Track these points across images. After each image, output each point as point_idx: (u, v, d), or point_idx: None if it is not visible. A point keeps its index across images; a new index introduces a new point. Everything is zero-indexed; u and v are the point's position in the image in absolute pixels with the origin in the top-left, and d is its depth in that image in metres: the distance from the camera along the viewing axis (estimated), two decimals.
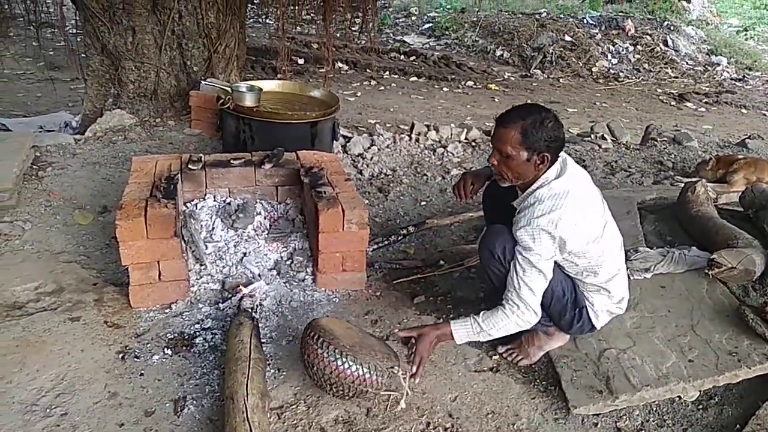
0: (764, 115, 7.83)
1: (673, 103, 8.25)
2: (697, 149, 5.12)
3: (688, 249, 2.83)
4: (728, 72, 10.26)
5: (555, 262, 2.13)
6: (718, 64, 10.47)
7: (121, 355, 2.26)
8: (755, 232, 2.88)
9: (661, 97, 8.53)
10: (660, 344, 2.33)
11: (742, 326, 2.35)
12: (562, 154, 2.14)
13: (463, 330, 2.13)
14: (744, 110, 8.00)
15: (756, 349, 2.26)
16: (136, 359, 2.25)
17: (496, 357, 2.39)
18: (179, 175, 2.87)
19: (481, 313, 2.13)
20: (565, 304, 2.21)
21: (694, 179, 3.51)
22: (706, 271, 2.62)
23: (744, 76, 10.12)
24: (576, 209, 2.05)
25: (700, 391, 2.20)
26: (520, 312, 2.09)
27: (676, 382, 2.15)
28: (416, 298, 2.78)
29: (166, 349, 2.31)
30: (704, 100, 8.33)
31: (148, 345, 2.33)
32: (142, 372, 2.19)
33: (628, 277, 2.35)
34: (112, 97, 4.84)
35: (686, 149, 5.11)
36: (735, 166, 4.13)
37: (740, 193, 3.40)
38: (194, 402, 2.06)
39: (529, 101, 7.75)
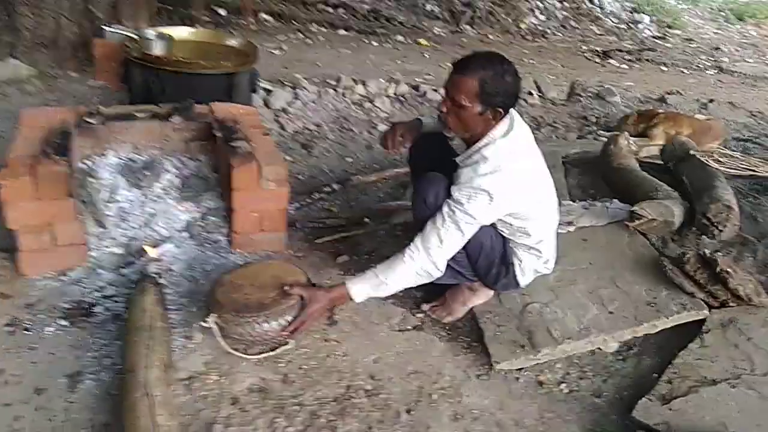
0: (682, 72, 8.04)
1: (597, 60, 8.34)
2: (620, 104, 5.21)
3: (610, 201, 2.85)
4: (650, 30, 10.48)
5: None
6: (640, 22, 10.68)
7: (9, 328, 2.04)
8: (675, 184, 2.92)
9: (586, 54, 8.60)
10: (581, 297, 2.33)
11: (661, 277, 2.38)
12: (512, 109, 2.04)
13: (360, 285, 2.03)
14: (664, 68, 8.19)
15: (674, 299, 2.29)
16: (26, 332, 2.03)
17: (421, 315, 2.33)
18: (74, 129, 2.60)
19: (379, 264, 2.03)
20: (492, 260, 2.16)
21: (616, 133, 3.54)
22: (627, 223, 2.64)
23: (664, 35, 10.37)
24: (520, 171, 1.99)
25: (619, 342, 2.21)
26: (420, 258, 1.99)
27: (596, 334, 2.16)
28: (339, 258, 2.67)
29: (61, 319, 2.10)
30: (627, 58, 8.48)
31: (41, 316, 2.11)
32: (33, 346, 1.98)
33: None
34: (6, 46, 4.39)
35: (609, 105, 5.19)
36: (655, 120, 4.21)
37: (661, 146, 3.45)
38: (92, 376, 1.88)
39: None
